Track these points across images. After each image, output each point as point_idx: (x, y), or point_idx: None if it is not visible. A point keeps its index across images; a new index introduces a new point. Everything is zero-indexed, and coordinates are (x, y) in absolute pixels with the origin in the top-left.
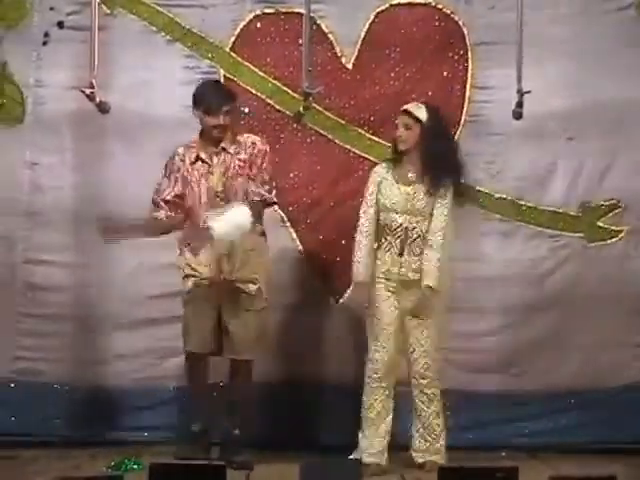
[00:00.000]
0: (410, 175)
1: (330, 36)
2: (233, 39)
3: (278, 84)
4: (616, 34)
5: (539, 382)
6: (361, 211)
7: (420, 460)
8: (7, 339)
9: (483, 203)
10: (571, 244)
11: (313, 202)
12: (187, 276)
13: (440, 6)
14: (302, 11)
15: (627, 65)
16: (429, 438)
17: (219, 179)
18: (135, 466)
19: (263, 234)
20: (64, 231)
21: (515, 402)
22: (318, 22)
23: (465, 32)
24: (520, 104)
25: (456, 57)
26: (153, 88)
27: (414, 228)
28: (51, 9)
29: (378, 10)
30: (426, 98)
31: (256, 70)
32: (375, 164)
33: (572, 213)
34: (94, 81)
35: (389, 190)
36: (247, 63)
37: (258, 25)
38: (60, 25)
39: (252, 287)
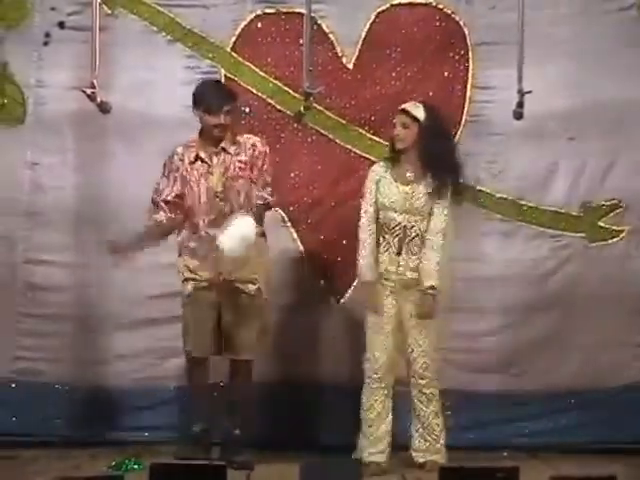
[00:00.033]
0: (408, 174)
1: (331, 36)
2: (234, 39)
3: (279, 84)
4: (616, 34)
5: (539, 382)
6: (362, 210)
7: (420, 460)
8: (7, 339)
9: (484, 203)
10: (572, 244)
11: (314, 202)
12: (186, 280)
13: (441, 6)
14: (303, 11)
15: (627, 65)
16: (429, 438)
17: (219, 179)
18: (136, 466)
19: (263, 235)
20: (64, 231)
21: (515, 402)
22: (319, 22)
23: (466, 32)
24: (521, 104)
25: (457, 57)
26: (154, 88)
27: (412, 227)
28: (52, 9)
29: (379, 10)
30: (427, 98)
31: (257, 70)
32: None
33: (573, 213)
34: (95, 81)
35: (387, 189)
36: (248, 63)
37: (259, 25)
38: (61, 25)
39: (252, 287)
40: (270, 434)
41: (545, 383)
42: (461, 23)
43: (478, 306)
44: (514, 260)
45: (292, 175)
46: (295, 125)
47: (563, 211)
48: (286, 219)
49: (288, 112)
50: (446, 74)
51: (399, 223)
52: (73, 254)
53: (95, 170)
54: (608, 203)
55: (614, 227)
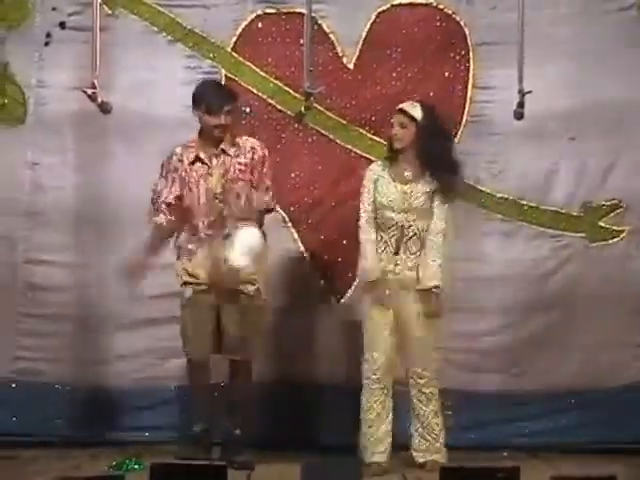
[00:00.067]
0: (407, 173)
1: (331, 36)
2: (234, 39)
3: (279, 84)
4: (616, 34)
5: (539, 382)
6: (360, 210)
7: (421, 460)
8: (7, 339)
9: (485, 203)
10: (573, 244)
11: (314, 202)
12: (185, 283)
13: (441, 6)
14: (303, 11)
15: (627, 65)
16: (429, 437)
17: (218, 181)
18: (136, 466)
19: (263, 235)
20: (65, 231)
21: (515, 402)
22: (319, 22)
23: (466, 32)
24: (521, 104)
25: (457, 57)
26: (155, 88)
27: (410, 226)
28: (53, 10)
29: (379, 10)
30: (428, 98)
31: (257, 70)
32: None
33: (574, 213)
34: (96, 81)
35: (386, 188)
36: (248, 63)
37: (259, 25)
38: (62, 26)
39: (251, 288)
40: (270, 434)
41: (545, 383)
42: (462, 23)
43: (478, 306)
44: (514, 260)
45: (293, 175)
46: (296, 125)
47: (564, 211)
48: (287, 219)
49: (289, 112)
50: (447, 74)
51: (396, 222)
52: (73, 254)
53: (95, 170)
54: (608, 203)
55: (614, 227)
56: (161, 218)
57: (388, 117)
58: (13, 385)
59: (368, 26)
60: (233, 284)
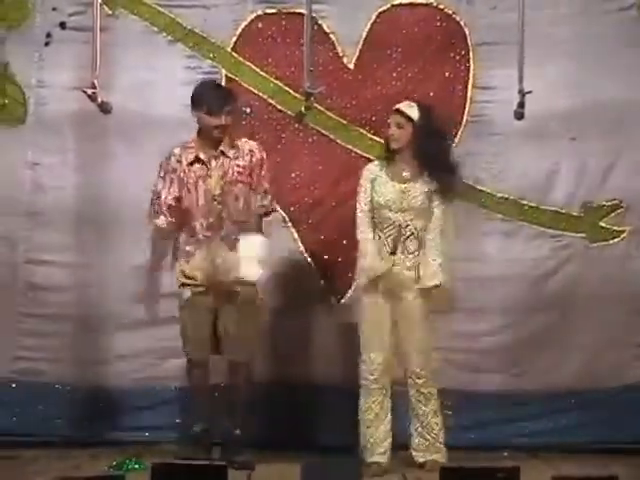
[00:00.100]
0: (404, 173)
1: (331, 36)
2: (235, 39)
3: (280, 84)
4: (616, 34)
5: (539, 382)
6: (358, 210)
7: (421, 459)
8: (8, 339)
9: (485, 203)
10: (573, 244)
11: (315, 202)
12: (183, 285)
13: (442, 6)
14: (303, 11)
15: (627, 65)
16: (428, 437)
17: (217, 182)
18: (136, 466)
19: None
20: (65, 231)
21: (515, 402)
22: (319, 22)
23: (467, 32)
24: (522, 104)
25: (458, 57)
26: (155, 88)
27: (407, 225)
28: (53, 10)
29: (379, 10)
30: (428, 98)
31: (258, 70)
32: None
33: (574, 213)
34: (96, 81)
35: (383, 187)
36: (249, 63)
37: (259, 25)
38: (62, 26)
39: (248, 288)
40: (270, 434)
41: (545, 383)
42: (462, 23)
43: (478, 306)
44: (515, 260)
45: (293, 175)
46: (296, 125)
47: (564, 211)
48: (287, 219)
49: (289, 112)
50: (447, 74)
51: (393, 222)
52: (74, 254)
53: (96, 170)
54: (609, 203)
55: (615, 227)
56: (162, 220)
57: (387, 117)
58: (13, 385)
59: (368, 26)
60: (231, 285)
